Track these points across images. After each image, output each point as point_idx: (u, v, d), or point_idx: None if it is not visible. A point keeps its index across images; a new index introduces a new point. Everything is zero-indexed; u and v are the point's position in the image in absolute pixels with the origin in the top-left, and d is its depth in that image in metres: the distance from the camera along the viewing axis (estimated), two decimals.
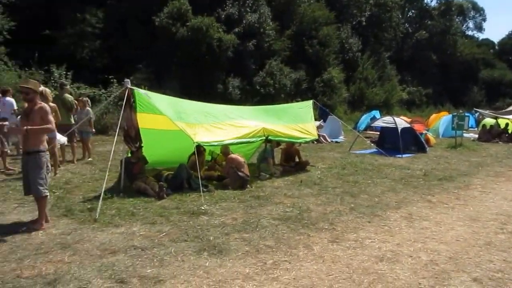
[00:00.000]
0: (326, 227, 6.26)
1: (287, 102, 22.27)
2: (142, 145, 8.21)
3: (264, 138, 9.62)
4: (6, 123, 10.09)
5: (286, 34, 30.00)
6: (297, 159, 11.10)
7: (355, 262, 5.02)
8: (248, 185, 8.55)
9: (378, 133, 17.20)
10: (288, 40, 29.89)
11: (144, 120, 8.21)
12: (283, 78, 27.80)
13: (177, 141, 8.57)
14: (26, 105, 6.09)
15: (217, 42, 24.47)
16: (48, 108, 5.91)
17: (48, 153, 5.98)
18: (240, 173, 8.52)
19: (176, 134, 8.23)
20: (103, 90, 19.87)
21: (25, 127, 5.63)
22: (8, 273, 4.45)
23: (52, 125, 5.91)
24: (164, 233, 5.76)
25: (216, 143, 8.66)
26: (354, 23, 37.70)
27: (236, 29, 26.42)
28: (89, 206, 6.86)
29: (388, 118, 15.74)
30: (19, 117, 7.69)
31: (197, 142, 8.03)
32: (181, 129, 7.92)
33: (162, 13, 24.81)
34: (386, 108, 33.40)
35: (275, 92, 27.06)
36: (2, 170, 9.60)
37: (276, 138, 10.06)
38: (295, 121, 10.89)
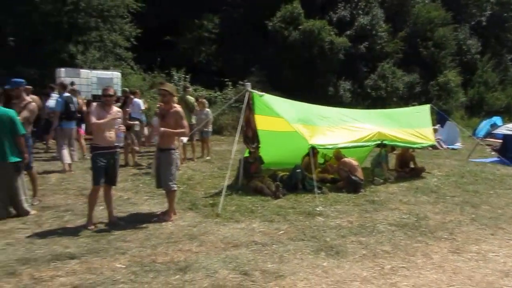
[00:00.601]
0: (446, 236, 6.00)
1: (399, 106, 21.52)
2: (259, 145, 8.53)
3: (379, 142, 9.44)
4: (137, 122, 11.08)
5: (399, 36, 29.01)
6: (412, 165, 10.73)
7: (478, 275, 4.78)
8: (361, 189, 8.47)
9: (500, 141, 15.92)
10: (401, 42, 28.87)
11: (261, 122, 8.52)
12: (396, 81, 26.91)
13: (292, 143, 8.75)
14: (161, 105, 6.67)
15: (329, 45, 24.42)
16: (182, 112, 6.41)
17: (178, 151, 6.48)
18: (353, 177, 8.46)
19: (292, 135, 8.42)
20: (218, 92, 20.84)
21: (162, 129, 6.16)
22: (145, 258, 4.91)
23: (187, 129, 6.42)
24: (282, 231, 5.94)
25: (330, 146, 8.69)
26: (473, 23, 35.21)
27: (348, 32, 26.14)
28: (211, 202, 7.30)
29: None
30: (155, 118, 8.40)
31: (312, 144, 8.14)
32: (297, 131, 8.09)
33: (275, 18, 25.36)
34: (508, 114, 30.73)
35: (386, 95, 26.30)
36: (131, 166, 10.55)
37: (391, 143, 9.81)
38: (412, 125, 10.52)
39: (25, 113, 6.75)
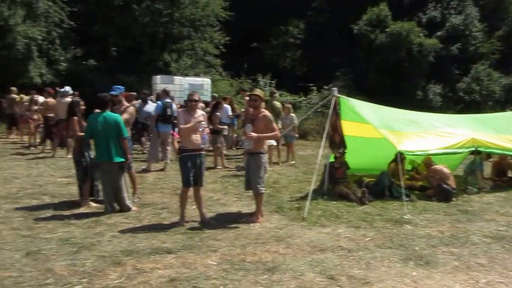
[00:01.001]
0: None
1: (495, 110, 20.23)
2: (346, 151, 8.53)
3: (473, 149, 9.01)
4: (225, 127, 11.53)
5: (495, 36, 27.29)
6: (510, 174, 10.10)
7: None
8: (453, 198, 8.14)
9: None
10: (498, 42, 27.15)
11: (348, 127, 8.52)
12: (491, 84, 25.36)
13: (379, 149, 8.63)
14: (248, 110, 6.94)
15: (418, 47, 23.65)
16: (271, 115, 6.65)
17: (267, 154, 6.70)
18: (445, 185, 8.17)
19: (378, 141, 8.32)
20: (303, 97, 20.98)
21: (254, 134, 6.42)
22: (235, 256, 5.15)
23: (278, 132, 6.64)
24: (369, 238, 5.92)
25: (420, 153, 8.45)
26: None
27: (439, 33, 25.12)
28: (296, 205, 7.44)
29: None
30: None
31: (399, 150, 7.98)
32: (384, 137, 7.98)
33: (360, 21, 25.04)
34: None
35: (481, 99, 24.87)
36: (220, 167, 11.00)
37: (487, 150, 9.31)
38: (510, 131, 9.87)
39: (125, 116, 7.40)
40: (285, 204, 7.63)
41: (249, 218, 6.64)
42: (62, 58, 20.27)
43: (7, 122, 16.04)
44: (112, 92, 7.68)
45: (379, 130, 8.04)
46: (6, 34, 17.27)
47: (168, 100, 10.80)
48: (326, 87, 19.39)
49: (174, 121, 10.39)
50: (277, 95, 13.21)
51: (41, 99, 13.63)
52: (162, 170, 10.41)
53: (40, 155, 12.10)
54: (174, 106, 10.97)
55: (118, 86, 7.90)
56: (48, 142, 12.49)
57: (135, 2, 21.06)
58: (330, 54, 25.83)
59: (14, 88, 15.69)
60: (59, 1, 19.63)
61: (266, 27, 28.02)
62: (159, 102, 10.94)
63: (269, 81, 22.04)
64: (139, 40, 20.97)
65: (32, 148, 13.32)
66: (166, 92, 11.22)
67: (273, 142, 10.40)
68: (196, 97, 6.56)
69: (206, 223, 6.40)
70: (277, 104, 11.77)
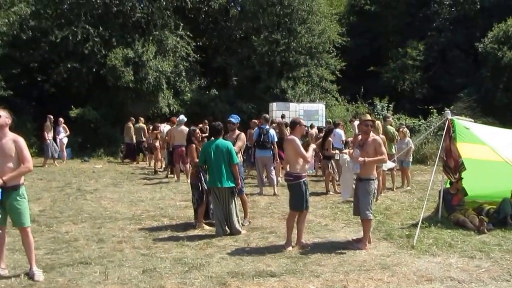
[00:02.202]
0: None
1: None
2: (462, 176, 8.04)
3: None
4: (336, 151, 11.53)
5: None
6: None
7: None
8: None
9: None
10: None
11: (465, 149, 8.01)
12: None
13: (501, 174, 7.96)
14: (357, 135, 6.95)
15: None
16: (380, 140, 6.61)
17: (376, 181, 6.62)
18: None
19: (500, 165, 7.68)
20: (422, 121, 20.09)
21: (363, 158, 6.43)
22: (337, 283, 5.16)
23: (385, 157, 6.57)
24: (483, 269, 5.52)
25: None
26: None
27: None
28: (407, 233, 7.18)
29: None
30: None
31: None
32: (505, 160, 7.36)
33: (486, 38, 23.42)
34: None
35: None
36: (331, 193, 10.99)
37: None
38: None
39: (239, 143, 7.87)
40: (395, 231, 7.40)
41: (355, 244, 6.58)
42: (187, 88, 21.92)
43: (128, 149, 17.79)
44: (231, 120, 8.24)
45: (499, 153, 7.45)
46: (140, 68, 19.29)
47: (266, 126, 11.26)
48: (447, 109, 18.38)
49: (273, 146, 11.01)
50: (390, 119, 12.91)
51: (166, 127, 14.95)
52: (274, 195, 10.72)
53: (164, 180, 13.20)
54: (272, 132, 11.39)
55: (235, 116, 8.50)
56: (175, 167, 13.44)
57: (255, 34, 22.18)
58: (452, 74, 24.49)
59: (141, 118, 17.65)
60: (186, 36, 21.43)
61: (384, 50, 27.55)
62: (256, 129, 11.48)
63: (386, 104, 21.50)
64: (258, 69, 21.97)
65: (158, 173, 14.56)
66: (266, 118, 11.67)
67: (389, 166, 10.14)
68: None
69: (302, 246, 6.49)
70: (391, 128, 11.51)
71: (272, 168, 11.19)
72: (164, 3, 20.99)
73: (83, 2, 19.47)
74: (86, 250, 6.34)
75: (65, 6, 20.39)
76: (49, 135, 15.93)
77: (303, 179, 6.51)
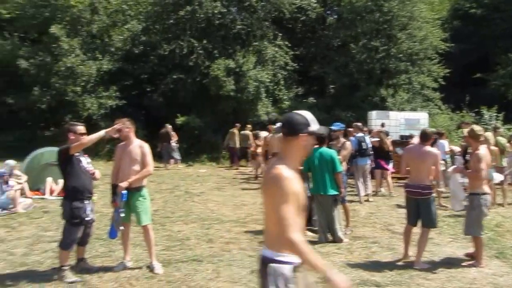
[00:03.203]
0: None
1: None
2: None
3: None
4: (442, 162, 11.13)
5: None
6: None
7: None
8: None
9: None
10: None
11: None
12: None
13: None
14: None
15: None
16: (481, 154, 6.24)
17: (487, 196, 6.32)
18: None
19: None
20: None
21: (465, 171, 6.22)
22: None
23: (481, 173, 6.13)
24: None
25: None
26: None
27: None
28: None
29: None
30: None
31: None
32: None
33: None
34: None
35: None
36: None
37: None
38: None
39: (344, 152, 7.98)
40: (508, 249, 7.01)
41: (468, 261, 6.34)
42: (285, 97, 22.31)
43: (238, 155, 18.62)
44: (333, 128, 8.38)
45: None
46: (240, 78, 20.04)
47: (360, 134, 11.34)
48: None
49: (370, 154, 11.17)
50: (501, 129, 12.16)
51: (264, 134, 15.38)
52: (367, 201, 10.77)
53: None
54: (368, 140, 11.43)
55: (340, 124, 8.63)
56: None
57: (353, 41, 22.02)
58: None
59: (248, 125, 18.49)
60: (284, 46, 21.87)
61: (492, 56, 25.83)
62: (352, 138, 11.40)
63: (495, 114, 20.16)
64: (356, 77, 21.74)
65: (259, 178, 14.99)
66: (359, 127, 11.70)
67: (497, 179, 9.60)
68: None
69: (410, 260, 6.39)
70: (502, 139, 10.86)
71: (369, 177, 11.30)
72: (263, 14, 21.64)
73: (188, 17, 20.69)
74: (198, 249, 6.81)
75: (171, 21, 21.81)
76: (166, 142, 17.62)
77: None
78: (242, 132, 18.14)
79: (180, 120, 20.01)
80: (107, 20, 22.20)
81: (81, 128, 5.70)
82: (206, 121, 20.75)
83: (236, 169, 18.00)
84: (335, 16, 25.14)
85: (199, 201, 10.88)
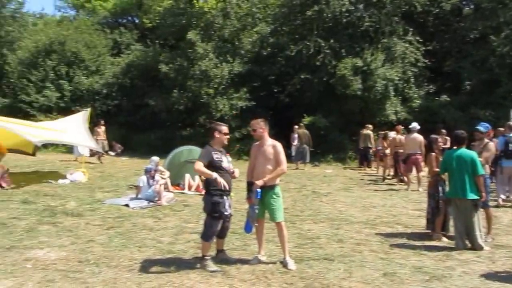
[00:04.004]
0: None
1: None
2: None
3: None
4: None
5: None
6: None
7: None
8: None
9: None
10: None
11: None
12: None
13: None
14: None
15: None
16: None
17: None
18: None
19: None
20: None
21: None
22: None
23: None
24: None
25: None
26: None
27: None
28: None
29: None
30: None
31: None
32: None
33: None
34: None
35: None
36: None
37: None
38: None
39: (486, 154, 7.44)
40: None
41: None
42: (415, 95, 21.30)
43: (361, 156, 18.34)
44: (480, 128, 7.85)
45: None
46: (368, 77, 19.60)
47: (511, 134, 10.38)
48: None
49: None
50: None
51: (392, 135, 14.87)
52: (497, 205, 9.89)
53: (396, 187, 13.18)
54: None
55: (486, 124, 8.06)
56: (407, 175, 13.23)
57: (493, 33, 20.22)
58: None
59: (370, 126, 17.94)
60: (415, 42, 20.90)
61: None
62: (500, 138, 10.66)
63: None
64: (496, 71, 19.96)
65: (386, 180, 14.57)
66: (510, 126, 10.65)
67: None
68: None
69: None
70: None
71: None
72: (392, 9, 20.89)
73: (315, 17, 20.80)
74: (328, 248, 6.87)
75: (299, 22, 22.11)
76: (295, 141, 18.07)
77: None
78: (364, 132, 17.78)
79: (306, 120, 20.21)
80: (238, 24, 23.30)
81: (225, 128, 6.09)
82: (332, 121, 20.68)
83: (364, 170, 17.68)
84: (472, 7, 23.40)
85: (327, 201, 10.91)
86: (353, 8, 20.67)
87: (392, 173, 14.98)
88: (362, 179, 15.05)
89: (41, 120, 20.20)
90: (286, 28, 22.74)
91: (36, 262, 6.00)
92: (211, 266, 5.79)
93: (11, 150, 13.87)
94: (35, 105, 24.72)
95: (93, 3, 35.11)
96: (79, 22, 30.67)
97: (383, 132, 16.52)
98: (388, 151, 14.92)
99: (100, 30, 29.48)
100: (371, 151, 17.46)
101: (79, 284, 5.25)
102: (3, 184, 11.82)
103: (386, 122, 20.05)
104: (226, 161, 6.06)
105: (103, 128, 19.09)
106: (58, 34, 26.79)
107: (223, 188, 5.79)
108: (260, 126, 6.13)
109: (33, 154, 16.03)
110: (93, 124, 18.35)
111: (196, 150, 12.52)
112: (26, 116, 21.91)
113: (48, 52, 26.03)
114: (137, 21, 33.48)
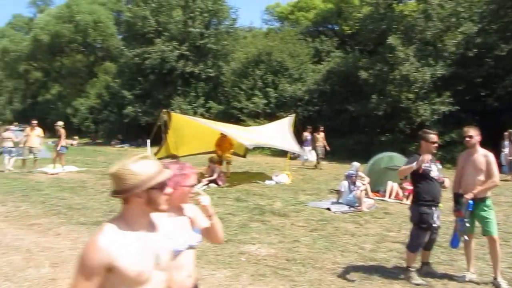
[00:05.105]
0: None
1: None
2: None
3: None
4: None
5: None
6: None
7: None
8: None
9: None
10: None
11: None
12: None
13: None
14: None
15: None
16: None
17: None
18: None
19: None
20: None
21: None
22: None
23: None
24: None
25: None
26: None
27: None
28: None
29: None
30: None
31: None
32: None
33: None
34: None
35: None
36: None
37: None
38: None
39: None
40: None
41: None
42: None
43: None
44: None
45: None
46: None
47: None
48: None
49: None
50: None
51: None
52: None
53: None
54: None
55: None
56: None
57: None
58: None
59: None
60: None
61: None
62: None
63: None
64: None
65: None
66: None
67: None
68: None
69: None
70: None
71: None
72: None
73: None
74: None
75: (509, 18, 19.87)
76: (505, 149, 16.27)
77: None
78: None
79: None
80: (441, 25, 22.08)
81: (432, 137, 5.84)
82: None
83: None
84: None
85: None
86: None
87: None
88: None
89: (249, 125, 22.34)
90: (495, 26, 20.66)
91: (249, 256, 6.79)
92: (416, 278, 5.77)
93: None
94: (245, 111, 27.51)
95: (296, 14, 37.31)
96: (284, 33, 33.00)
97: None
98: None
99: (302, 39, 31.21)
100: None
101: (288, 282, 5.76)
102: (219, 182, 13.57)
103: None
104: (436, 170, 5.89)
105: (322, 134, 19.79)
106: (265, 45, 29.37)
107: (429, 199, 5.71)
108: (477, 134, 5.88)
109: (244, 156, 17.98)
110: (311, 130, 19.93)
111: (396, 157, 12.43)
112: (237, 121, 24.55)
113: (257, 62, 28.74)
114: (336, 28, 34.36)
